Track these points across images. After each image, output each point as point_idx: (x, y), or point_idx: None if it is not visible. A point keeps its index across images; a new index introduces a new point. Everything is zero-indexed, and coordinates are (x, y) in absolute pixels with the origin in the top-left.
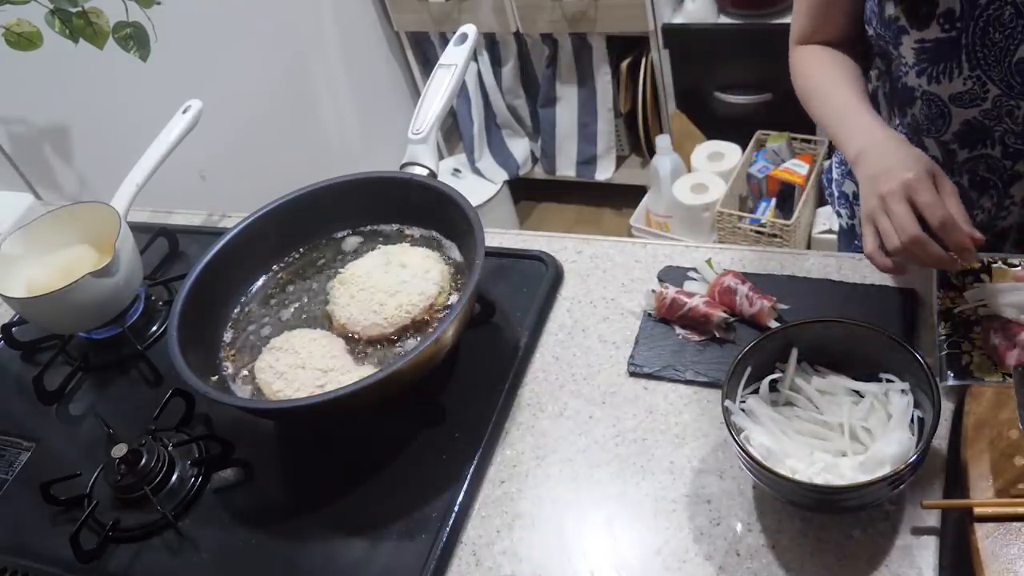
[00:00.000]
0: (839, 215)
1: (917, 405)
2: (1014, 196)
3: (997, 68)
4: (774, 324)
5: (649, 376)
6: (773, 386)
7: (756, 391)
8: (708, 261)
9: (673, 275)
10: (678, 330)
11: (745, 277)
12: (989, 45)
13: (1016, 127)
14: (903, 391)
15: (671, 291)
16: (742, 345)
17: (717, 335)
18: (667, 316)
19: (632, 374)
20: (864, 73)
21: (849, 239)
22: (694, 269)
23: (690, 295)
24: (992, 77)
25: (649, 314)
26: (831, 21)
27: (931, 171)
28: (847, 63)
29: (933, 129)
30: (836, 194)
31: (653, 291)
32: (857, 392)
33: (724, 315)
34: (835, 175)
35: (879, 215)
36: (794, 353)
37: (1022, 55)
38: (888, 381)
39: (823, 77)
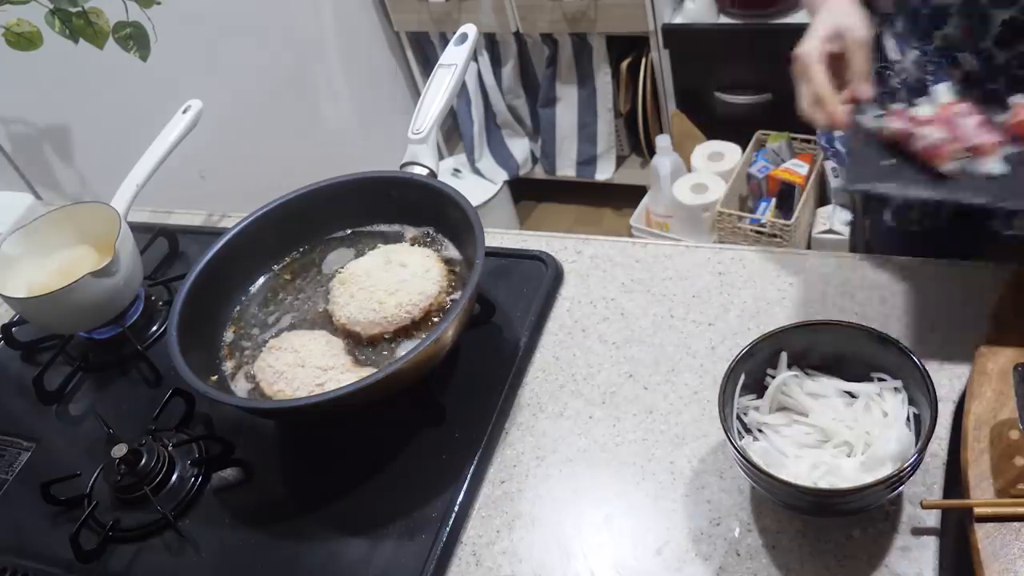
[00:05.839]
0: None
1: (912, 402)
2: None
3: None
4: (950, 166)
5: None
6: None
7: (752, 399)
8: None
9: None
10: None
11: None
12: None
13: None
14: (896, 388)
15: (904, 118)
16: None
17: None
18: (891, 144)
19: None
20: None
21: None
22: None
23: (925, 122)
24: None
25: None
26: None
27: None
28: None
29: (971, 41)
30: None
31: (881, 114)
32: (850, 393)
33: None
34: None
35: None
36: (783, 358)
37: None
38: (880, 380)
39: None
